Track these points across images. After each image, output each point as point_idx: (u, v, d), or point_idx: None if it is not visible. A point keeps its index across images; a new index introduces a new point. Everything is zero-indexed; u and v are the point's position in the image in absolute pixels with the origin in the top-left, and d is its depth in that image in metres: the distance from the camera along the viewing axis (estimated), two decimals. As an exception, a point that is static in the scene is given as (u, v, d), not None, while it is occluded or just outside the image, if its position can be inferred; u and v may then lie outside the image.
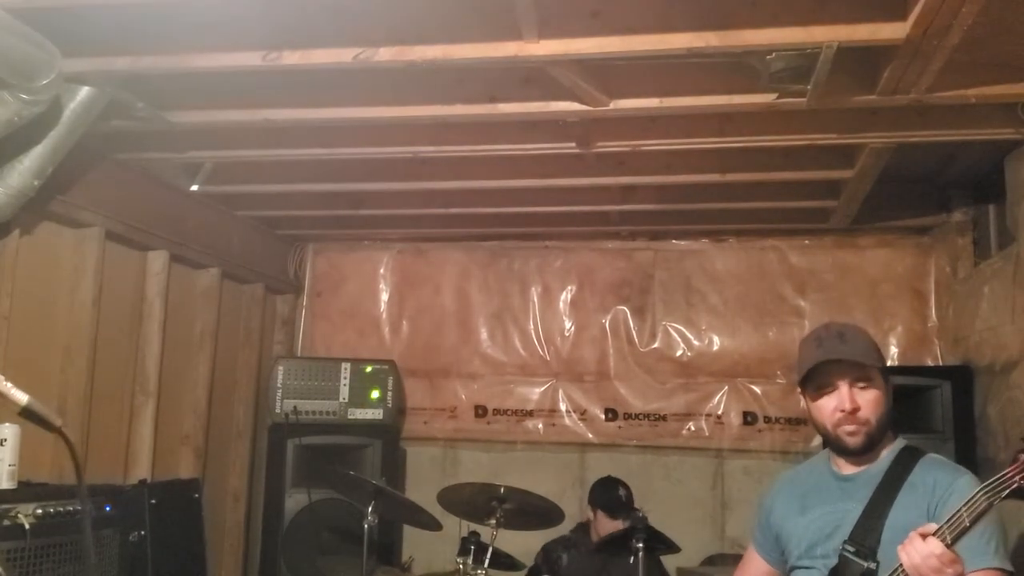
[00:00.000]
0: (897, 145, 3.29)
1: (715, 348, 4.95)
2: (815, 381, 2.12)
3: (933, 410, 4.02)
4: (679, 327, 5.00)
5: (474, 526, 3.58)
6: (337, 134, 3.46)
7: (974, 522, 1.69)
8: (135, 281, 3.97)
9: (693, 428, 4.91)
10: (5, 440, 2.85)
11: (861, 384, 2.09)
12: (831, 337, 2.13)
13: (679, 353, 4.99)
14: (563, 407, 5.06)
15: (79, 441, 3.42)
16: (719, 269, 5.00)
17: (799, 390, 2.22)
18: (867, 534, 2.02)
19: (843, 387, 2.08)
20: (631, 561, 3.36)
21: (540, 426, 5.07)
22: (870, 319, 4.73)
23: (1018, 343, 3.52)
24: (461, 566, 3.43)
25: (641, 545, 3.34)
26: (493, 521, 3.44)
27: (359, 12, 2.49)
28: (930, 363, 4.61)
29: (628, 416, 4.99)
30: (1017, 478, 1.65)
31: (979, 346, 3.99)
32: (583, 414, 5.04)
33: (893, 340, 4.71)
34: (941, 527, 1.75)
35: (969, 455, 3.77)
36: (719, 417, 4.87)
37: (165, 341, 4.03)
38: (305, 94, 3.04)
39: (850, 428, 2.08)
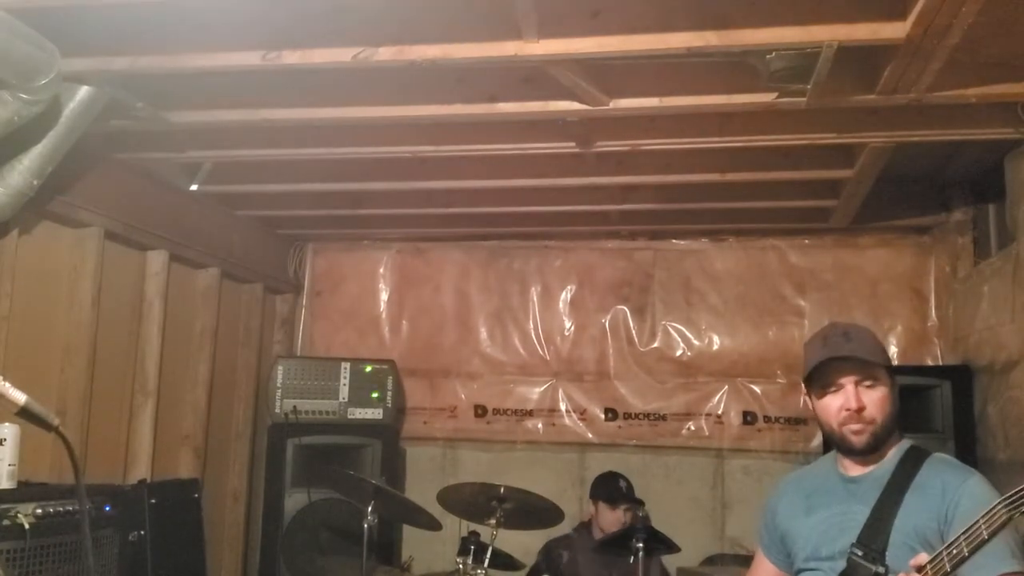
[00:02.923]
0: (897, 144, 3.28)
1: (715, 348, 4.95)
2: (821, 380, 2.11)
3: (933, 410, 4.02)
4: (679, 327, 5.00)
5: (474, 526, 3.58)
6: (337, 134, 3.46)
7: (992, 535, 1.64)
8: (134, 281, 3.96)
9: (693, 428, 4.91)
10: (4, 440, 2.85)
11: (867, 383, 2.07)
12: (837, 336, 2.11)
13: (679, 353, 4.99)
14: (563, 407, 5.06)
15: (79, 441, 3.42)
16: (719, 269, 5.00)
17: (804, 389, 2.20)
18: (875, 536, 1.99)
19: (849, 386, 2.06)
20: (631, 561, 3.37)
21: (540, 426, 5.07)
22: (870, 319, 4.72)
23: (1018, 343, 3.52)
24: (461, 566, 3.43)
25: (641, 545, 3.35)
26: (493, 521, 3.43)
27: (359, 12, 2.49)
28: (930, 363, 4.61)
29: (628, 416, 4.99)
30: None
31: (979, 346, 3.99)
32: (583, 414, 5.04)
33: (893, 340, 4.71)
34: (939, 553, 1.70)
35: (969, 455, 3.77)
36: (719, 417, 4.87)
37: (165, 341, 4.03)
38: (305, 94, 3.04)
39: (856, 427, 2.06)
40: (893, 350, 4.69)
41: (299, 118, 3.13)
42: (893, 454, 2.11)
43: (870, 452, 2.08)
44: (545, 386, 5.10)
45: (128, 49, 2.65)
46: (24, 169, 2.89)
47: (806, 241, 4.89)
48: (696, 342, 4.97)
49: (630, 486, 4.14)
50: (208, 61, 2.63)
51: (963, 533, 1.66)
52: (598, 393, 5.04)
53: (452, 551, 3.69)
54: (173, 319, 4.13)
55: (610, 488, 4.12)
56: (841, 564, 2.04)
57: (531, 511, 3.54)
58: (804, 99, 2.70)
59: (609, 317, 5.08)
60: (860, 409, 2.05)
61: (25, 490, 2.85)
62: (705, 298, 4.99)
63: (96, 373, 3.59)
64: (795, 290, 4.89)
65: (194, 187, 4.15)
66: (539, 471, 4.93)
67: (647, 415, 4.97)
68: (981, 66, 2.63)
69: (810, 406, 2.18)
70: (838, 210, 4.23)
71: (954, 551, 1.66)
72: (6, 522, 2.58)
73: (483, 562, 3.41)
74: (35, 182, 2.94)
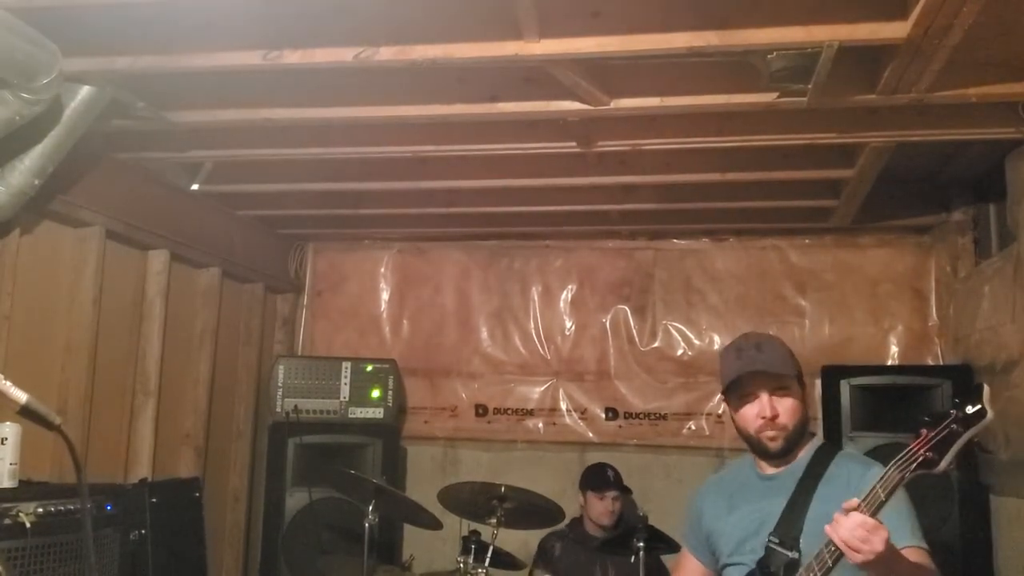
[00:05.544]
0: (897, 144, 3.29)
1: (715, 347, 4.93)
2: (737, 391, 2.26)
3: (933, 410, 4.01)
4: (679, 326, 5.00)
5: (475, 525, 3.58)
6: (337, 134, 3.46)
7: (889, 495, 1.81)
8: (136, 280, 3.97)
9: (693, 427, 4.91)
10: (6, 439, 2.86)
11: (779, 392, 2.23)
12: (749, 348, 2.27)
13: (679, 352, 4.99)
14: (563, 406, 5.06)
15: (80, 440, 3.42)
16: (719, 268, 5.00)
17: (721, 398, 2.40)
18: (790, 526, 2.15)
19: (763, 396, 2.23)
20: (632, 560, 3.37)
21: (540, 425, 5.08)
22: (870, 318, 4.73)
23: (1018, 342, 3.52)
24: (462, 565, 3.43)
25: (642, 544, 3.35)
26: (494, 520, 3.44)
27: (360, 11, 2.49)
28: (930, 362, 4.61)
29: (628, 415, 4.99)
30: (922, 451, 1.79)
31: (979, 345, 3.99)
32: (583, 413, 5.04)
33: (893, 339, 4.71)
34: (860, 503, 1.86)
35: (969, 455, 3.77)
36: (719, 416, 4.86)
37: (165, 340, 4.03)
38: (305, 94, 3.04)
39: (771, 433, 2.23)
40: (893, 350, 4.70)
41: (300, 118, 3.13)
42: (805, 453, 2.28)
43: (784, 455, 2.26)
44: (546, 386, 5.10)
45: (129, 49, 2.65)
46: (25, 169, 2.89)
47: (806, 241, 4.89)
48: (697, 342, 4.97)
49: (617, 475, 4.13)
50: (209, 61, 2.63)
51: (864, 499, 1.83)
52: (599, 393, 5.04)
53: (453, 550, 3.69)
54: (174, 319, 4.13)
55: (597, 477, 4.12)
56: (761, 554, 2.17)
57: (532, 510, 3.55)
58: (804, 99, 2.70)
59: (610, 317, 5.08)
60: (774, 417, 2.22)
61: (26, 489, 2.86)
62: (705, 298, 4.99)
63: (97, 372, 3.59)
64: (795, 290, 4.89)
65: (195, 187, 4.16)
66: (539, 471, 4.93)
67: (648, 415, 4.97)
68: (981, 66, 2.64)
69: (730, 414, 2.36)
70: (838, 210, 4.23)
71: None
72: (7, 521, 2.59)
73: (484, 561, 3.41)
74: (36, 182, 2.94)
